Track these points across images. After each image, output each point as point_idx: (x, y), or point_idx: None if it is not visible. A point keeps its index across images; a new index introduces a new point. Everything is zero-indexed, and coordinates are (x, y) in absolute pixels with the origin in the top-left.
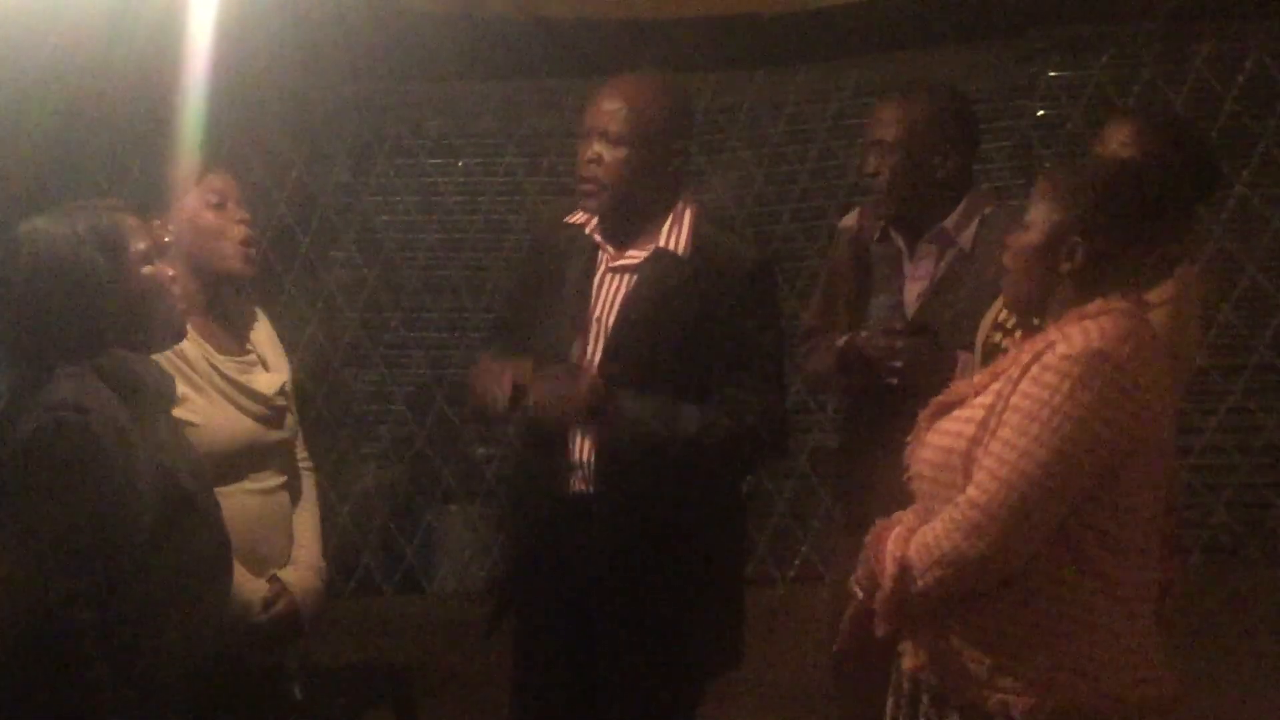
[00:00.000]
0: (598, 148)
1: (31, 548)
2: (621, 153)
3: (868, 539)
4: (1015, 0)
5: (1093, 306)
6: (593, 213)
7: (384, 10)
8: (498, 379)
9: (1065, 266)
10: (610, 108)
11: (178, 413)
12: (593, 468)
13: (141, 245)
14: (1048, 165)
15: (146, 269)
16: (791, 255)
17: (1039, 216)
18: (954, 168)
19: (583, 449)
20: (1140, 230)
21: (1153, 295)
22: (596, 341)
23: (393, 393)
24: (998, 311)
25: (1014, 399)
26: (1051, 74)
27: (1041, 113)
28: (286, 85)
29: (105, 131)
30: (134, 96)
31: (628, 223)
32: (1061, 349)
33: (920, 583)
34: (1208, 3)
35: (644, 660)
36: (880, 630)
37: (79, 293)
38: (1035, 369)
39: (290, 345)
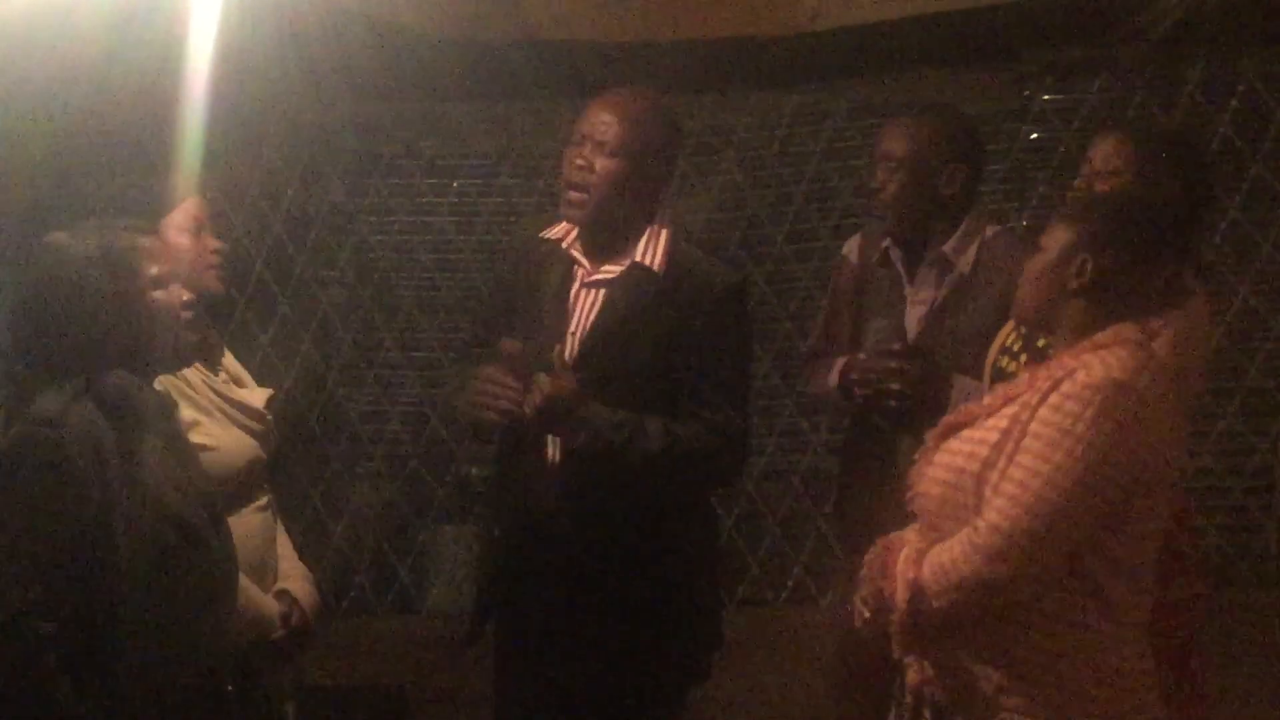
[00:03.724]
0: (589, 155)
1: None
2: (613, 163)
3: (869, 557)
4: (1008, 24)
5: (1105, 335)
6: (575, 221)
7: (380, 31)
8: (504, 383)
9: (1074, 283)
10: (607, 118)
11: (193, 436)
12: (564, 482)
13: (154, 269)
14: (1042, 189)
15: (158, 293)
16: (785, 278)
17: (1053, 238)
18: (959, 188)
19: (555, 463)
20: (1148, 249)
21: (1160, 323)
22: (571, 355)
23: (387, 412)
24: (1005, 336)
25: (1034, 426)
26: (1045, 98)
27: (1034, 136)
28: (282, 105)
29: (104, 151)
30: (133, 116)
31: (606, 236)
32: (1082, 378)
33: (935, 604)
34: (1200, 28)
35: (617, 671)
36: (897, 652)
37: (80, 311)
38: (1055, 397)
39: (284, 365)
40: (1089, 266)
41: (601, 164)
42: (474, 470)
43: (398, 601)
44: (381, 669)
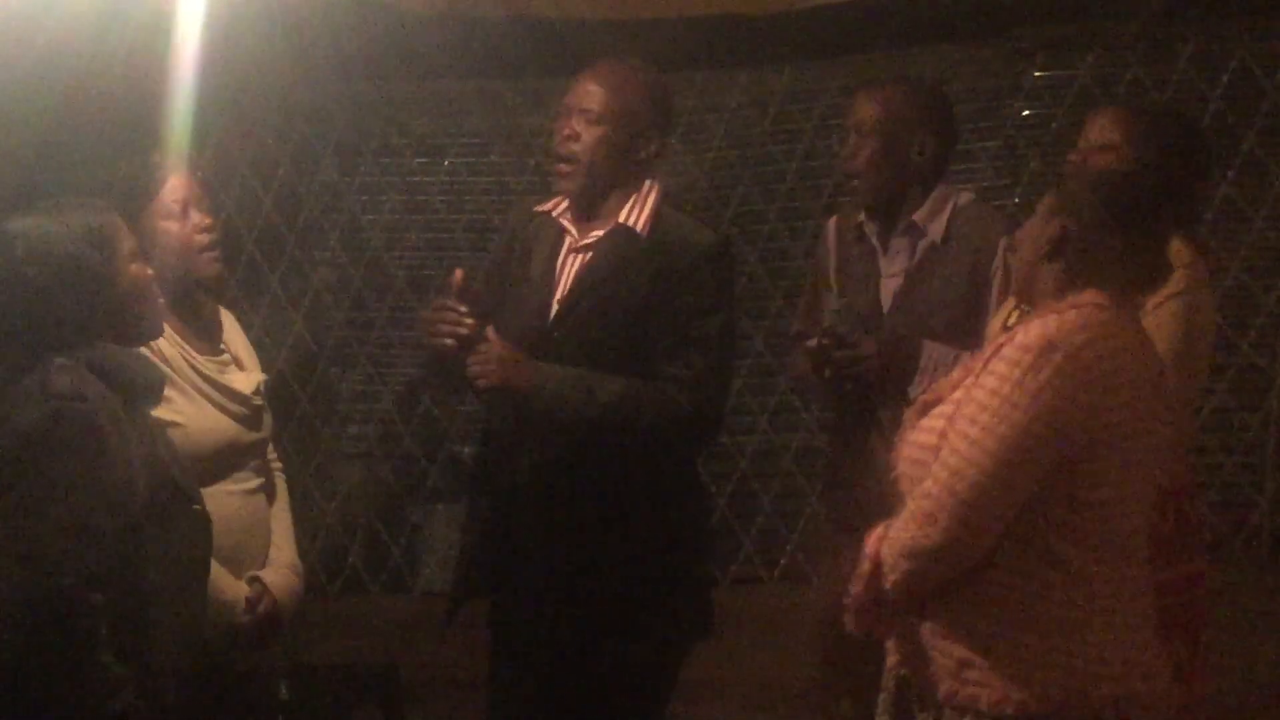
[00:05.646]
0: (575, 125)
1: (41, 535)
2: (598, 130)
3: (865, 547)
4: (1001, 0)
5: (1066, 301)
6: (566, 192)
7: (371, 9)
8: (455, 310)
9: (1046, 247)
10: (591, 88)
11: (160, 412)
12: (540, 454)
13: (127, 244)
14: (1034, 165)
15: (134, 266)
16: (777, 255)
17: (1042, 207)
18: (929, 157)
19: (532, 437)
20: (1123, 219)
21: (1162, 291)
22: (551, 318)
23: (379, 392)
24: (1006, 315)
25: (974, 391)
26: (1037, 74)
27: (1027, 112)
28: (273, 84)
29: (94, 130)
30: (122, 95)
31: (596, 202)
32: (1019, 339)
33: (890, 578)
34: (1193, 3)
35: (610, 640)
36: (850, 627)
37: (75, 287)
38: (994, 361)
39: (276, 344)
40: (1061, 231)
41: (587, 132)
42: (467, 449)
43: (390, 581)
44: (374, 648)
